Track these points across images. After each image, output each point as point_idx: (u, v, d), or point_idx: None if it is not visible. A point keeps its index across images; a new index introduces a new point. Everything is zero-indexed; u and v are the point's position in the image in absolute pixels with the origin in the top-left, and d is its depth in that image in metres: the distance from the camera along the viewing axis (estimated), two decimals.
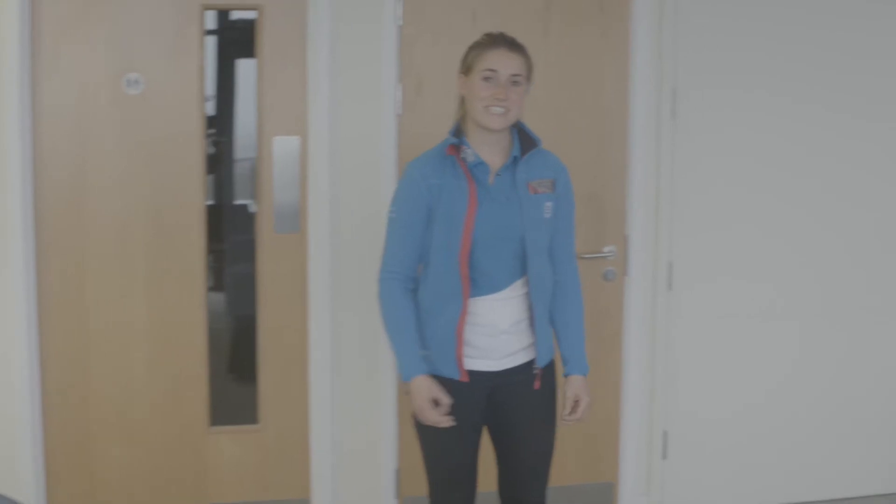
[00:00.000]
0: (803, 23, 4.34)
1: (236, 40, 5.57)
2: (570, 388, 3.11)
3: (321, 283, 4.06)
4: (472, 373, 3.04)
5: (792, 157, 4.39)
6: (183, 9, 3.93)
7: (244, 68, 5.71)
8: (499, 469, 3.23)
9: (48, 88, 3.86)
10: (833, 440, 4.59)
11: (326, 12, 3.96)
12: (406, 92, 4.08)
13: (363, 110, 4.05)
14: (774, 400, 4.51)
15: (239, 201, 5.77)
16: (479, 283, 3.00)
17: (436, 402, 2.97)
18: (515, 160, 3.02)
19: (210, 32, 5.51)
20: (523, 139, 3.06)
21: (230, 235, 5.62)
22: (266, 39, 4.01)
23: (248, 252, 4.19)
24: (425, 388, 2.97)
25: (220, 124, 5.87)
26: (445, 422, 2.98)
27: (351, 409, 4.14)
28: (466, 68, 3.03)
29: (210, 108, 3.91)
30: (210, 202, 4.19)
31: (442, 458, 3.14)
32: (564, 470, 4.28)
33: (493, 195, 2.99)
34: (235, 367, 4.94)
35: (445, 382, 3.02)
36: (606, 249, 4.29)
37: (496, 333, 3.04)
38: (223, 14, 5.72)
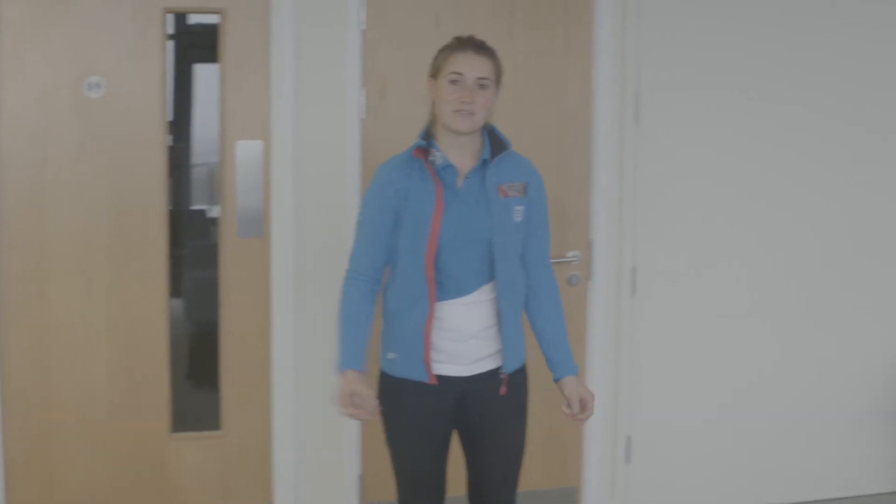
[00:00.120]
0: (767, 21, 4.38)
1: (194, 44, 5.53)
2: (570, 390, 3.07)
3: (284, 288, 4.04)
4: (440, 377, 3.02)
5: (756, 155, 4.43)
6: (144, 12, 3.90)
7: (202, 73, 5.69)
8: (468, 474, 3.21)
9: (8, 91, 3.82)
10: (803, 442, 4.62)
11: (290, 16, 3.95)
12: (370, 96, 4.07)
13: (327, 115, 4.03)
14: (743, 402, 4.53)
15: (196, 206, 5.73)
16: (445, 286, 2.99)
17: (353, 397, 2.88)
18: (485, 163, 3.01)
19: (168, 37, 5.47)
20: (494, 142, 3.04)
21: (188, 240, 5.58)
22: (229, 43, 3.99)
23: (206, 257, 4.16)
24: (349, 381, 2.89)
25: (178, 129, 5.82)
26: (362, 415, 2.91)
27: (314, 415, 4.12)
28: (435, 71, 3.03)
29: (168, 113, 3.92)
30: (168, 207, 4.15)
31: (409, 463, 3.12)
32: (529, 475, 4.22)
33: (461, 198, 2.98)
34: (195, 374, 4.89)
35: (415, 386, 3.01)
36: (570, 254, 4.30)
37: (464, 338, 3.02)
38: (181, 18, 5.66)
